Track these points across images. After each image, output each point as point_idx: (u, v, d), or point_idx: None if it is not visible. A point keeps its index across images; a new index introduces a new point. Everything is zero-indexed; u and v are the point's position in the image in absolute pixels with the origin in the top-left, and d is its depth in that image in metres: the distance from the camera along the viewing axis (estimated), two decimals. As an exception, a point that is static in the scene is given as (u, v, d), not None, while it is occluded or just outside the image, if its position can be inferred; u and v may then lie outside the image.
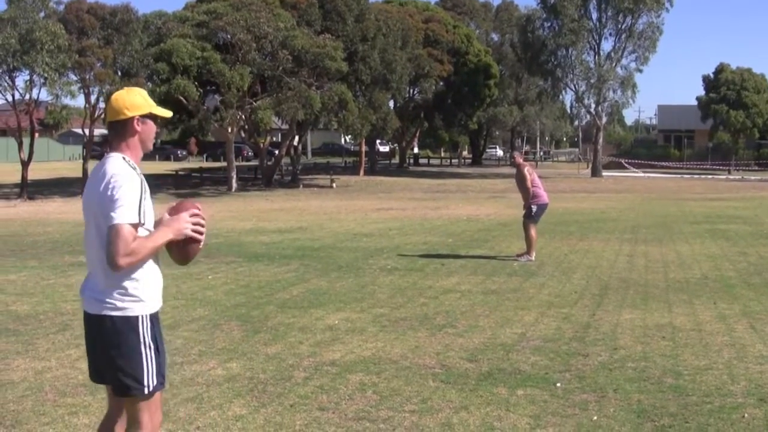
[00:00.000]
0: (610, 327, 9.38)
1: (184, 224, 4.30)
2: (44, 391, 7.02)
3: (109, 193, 4.09)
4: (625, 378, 7.31)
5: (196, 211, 4.38)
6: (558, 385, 7.11)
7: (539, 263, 14.75)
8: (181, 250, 4.39)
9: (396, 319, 9.88)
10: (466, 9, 79.10)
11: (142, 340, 4.22)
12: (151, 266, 4.29)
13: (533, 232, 15.41)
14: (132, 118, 4.29)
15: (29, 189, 38.63)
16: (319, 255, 16.11)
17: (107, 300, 4.19)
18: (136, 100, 4.32)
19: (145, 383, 4.23)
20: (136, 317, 4.21)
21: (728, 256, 15.93)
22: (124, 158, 4.26)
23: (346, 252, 16.57)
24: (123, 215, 4.05)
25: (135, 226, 4.09)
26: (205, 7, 42.60)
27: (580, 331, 9.19)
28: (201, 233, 4.38)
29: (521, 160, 15.89)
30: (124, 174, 4.14)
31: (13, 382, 7.28)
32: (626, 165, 71.53)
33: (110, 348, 4.21)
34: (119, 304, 4.19)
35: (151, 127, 4.41)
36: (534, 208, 15.49)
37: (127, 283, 4.19)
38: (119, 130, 4.33)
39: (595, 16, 61.71)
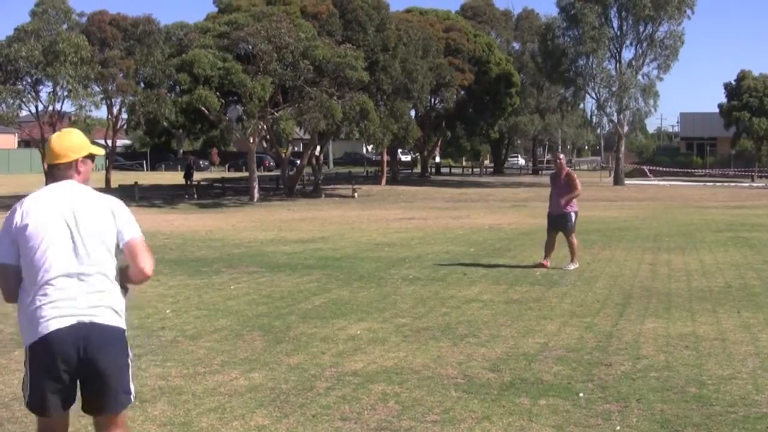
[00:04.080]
0: (633, 336, 9.34)
1: None
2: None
3: (122, 213, 4.55)
4: (648, 388, 7.28)
5: None
6: (581, 395, 7.09)
7: (562, 272, 14.71)
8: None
9: (418, 329, 9.87)
10: (486, 18, 78.94)
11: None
12: None
13: (575, 238, 15.56)
14: (75, 161, 4.59)
15: (52, 200, 38.79)
16: (341, 265, 16.12)
17: (122, 312, 4.53)
18: (78, 143, 4.61)
19: (133, 392, 4.59)
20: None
21: (752, 264, 15.83)
22: None
23: (368, 262, 16.58)
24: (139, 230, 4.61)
25: None
26: (226, 17, 42.78)
27: (603, 340, 9.16)
28: None
29: (564, 164, 16.04)
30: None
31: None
32: (648, 173, 71.28)
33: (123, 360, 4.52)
34: (121, 311, 4.52)
35: (90, 167, 4.70)
36: (574, 216, 15.56)
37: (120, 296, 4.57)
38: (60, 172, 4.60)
39: (615, 24, 61.58)
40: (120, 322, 4.46)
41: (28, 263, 4.33)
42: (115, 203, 4.56)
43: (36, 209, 4.39)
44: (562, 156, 16.46)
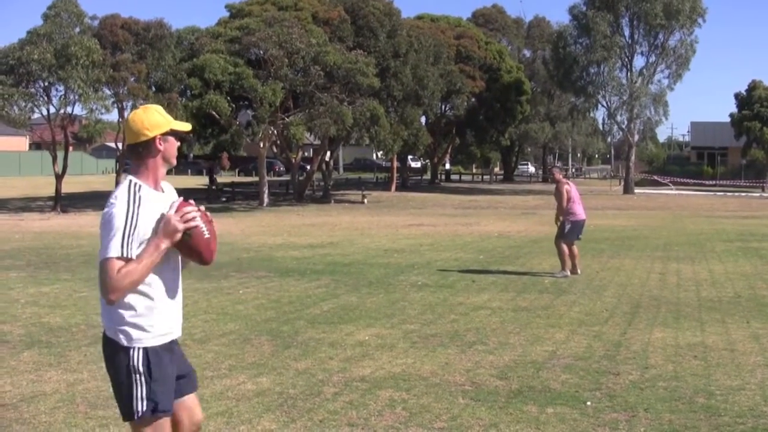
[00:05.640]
0: (642, 345, 9.32)
1: (172, 223, 4.06)
2: (76, 402, 7.07)
3: (103, 222, 4.06)
4: (656, 397, 7.26)
5: (186, 208, 4.15)
6: (588, 403, 7.07)
7: (571, 281, 14.69)
8: (189, 249, 4.20)
9: (426, 335, 9.87)
10: (498, 25, 79.04)
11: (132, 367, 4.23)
12: (161, 297, 4.24)
13: (565, 248, 15.42)
14: (154, 138, 4.19)
15: (63, 202, 38.92)
16: (349, 270, 16.12)
17: (108, 324, 4.19)
18: (155, 119, 4.22)
19: (134, 408, 4.27)
20: (130, 348, 4.19)
21: (762, 274, 15.79)
22: (132, 183, 4.13)
23: (377, 268, 16.57)
24: (109, 249, 3.96)
25: (122, 259, 3.96)
26: (237, 22, 42.80)
27: (611, 349, 9.14)
28: (192, 220, 4.12)
29: (560, 177, 16.01)
30: (118, 204, 4.04)
31: (45, 393, 7.34)
32: (664, 182, 71.19)
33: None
34: (118, 328, 4.16)
35: (173, 144, 4.30)
36: (568, 225, 15.53)
37: (123, 312, 4.14)
38: (140, 152, 4.21)
39: (627, 32, 61.56)
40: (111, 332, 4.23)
41: None
42: (108, 212, 4.05)
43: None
44: (556, 170, 16.92)
